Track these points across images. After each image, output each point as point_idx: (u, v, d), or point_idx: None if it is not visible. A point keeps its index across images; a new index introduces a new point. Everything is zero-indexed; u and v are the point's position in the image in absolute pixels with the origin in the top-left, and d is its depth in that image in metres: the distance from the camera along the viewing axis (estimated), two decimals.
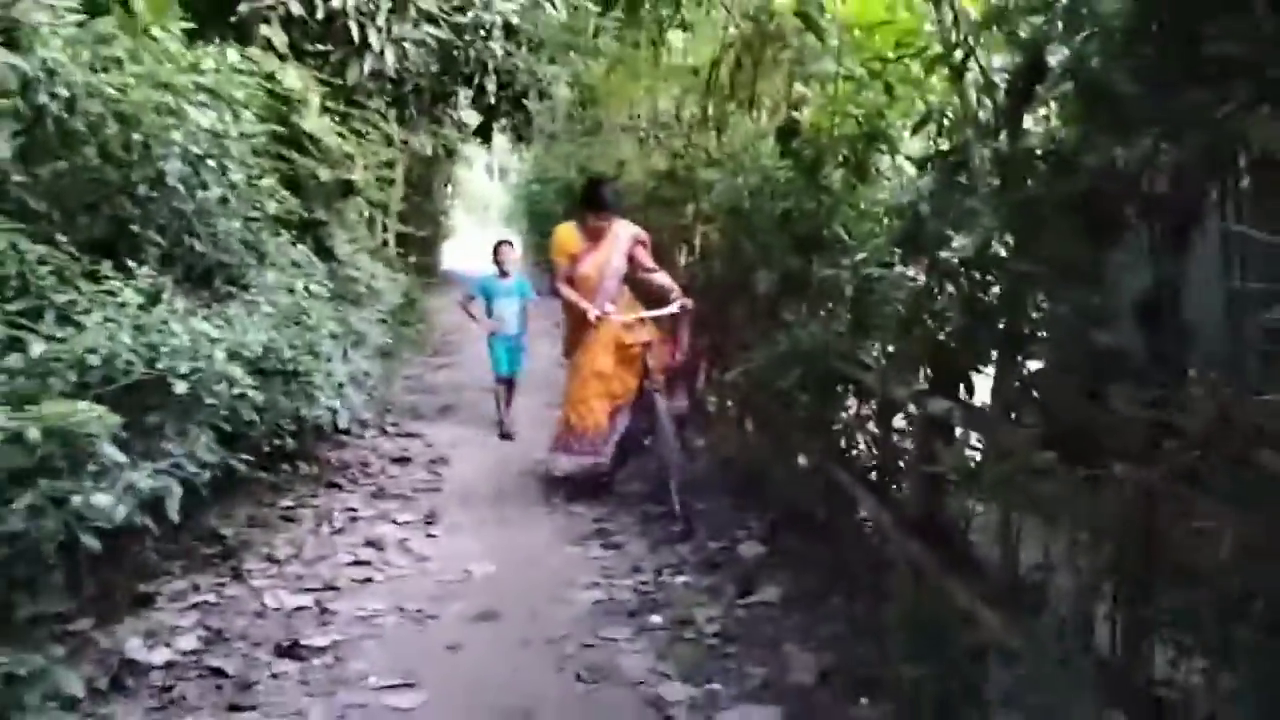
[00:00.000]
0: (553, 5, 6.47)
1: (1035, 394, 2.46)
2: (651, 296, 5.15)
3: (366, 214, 6.48)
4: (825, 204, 3.78)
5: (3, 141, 2.55)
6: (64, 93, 2.53)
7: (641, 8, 6.93)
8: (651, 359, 4.96)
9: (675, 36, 7.66)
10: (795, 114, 4.59)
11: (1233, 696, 1.75)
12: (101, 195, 2.84)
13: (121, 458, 2.46)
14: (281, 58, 4.92)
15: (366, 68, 5.50)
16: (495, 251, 7.01)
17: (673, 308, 4.94)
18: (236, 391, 2.87)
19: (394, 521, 4.66)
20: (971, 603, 2.52)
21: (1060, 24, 2.27)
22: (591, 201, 5.06)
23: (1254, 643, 1.66)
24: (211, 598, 3.63)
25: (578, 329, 5.08)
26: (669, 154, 7.41)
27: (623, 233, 5.08)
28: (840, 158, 3.80)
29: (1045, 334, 2.41)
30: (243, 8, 4.98)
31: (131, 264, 2.96)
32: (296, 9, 5.11)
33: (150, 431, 2.66)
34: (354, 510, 4.76)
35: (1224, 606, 1.74)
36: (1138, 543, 2.06)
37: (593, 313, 4.88)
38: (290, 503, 4.73)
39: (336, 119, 5.32)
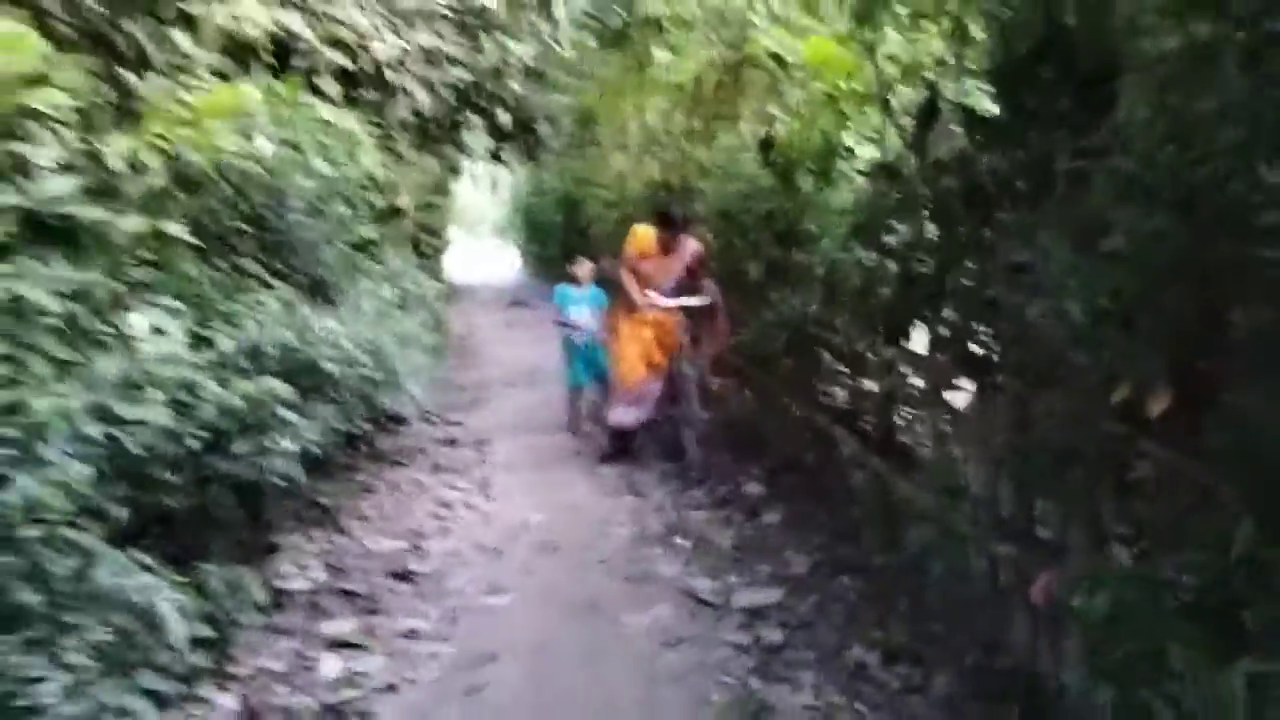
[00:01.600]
0: (558, 45, 7.46)
1: (950, 335, 3.45)
2: (692, 291, 5.99)
3: (409, 233, 7.41)
4: (798, 204, 4.76)
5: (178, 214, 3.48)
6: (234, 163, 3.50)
7: (629, 40, 7.95)
8: (676, 339, 5.88)
9: (662, 57, 8.66)
10: (770, 130, 5.60)
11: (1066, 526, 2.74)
12: (249, 229, 3.81)
13: (296, 419, 3.42)
14: (335, 104, 5.89)
15: (402, 109, 6.48)
16: (571, 264, 7.70)
17: (697, 300, 5.77)
18: (362, 373, 3.84)
19: (455, 488, 5.63)
20: (913, 492, 3.51)
21: (951, 72, 3.27)
22: (665, 224, 5.84)
23: (1082, 489, 2.64)
24: (325, 545, 4.60)
25: (625, 308, 6.03)
26: (662, 165, 8.39)
27: (688, 249, 5.89)
28: (808, 167, 4.79)
29: (954, 294, 3.38)
30: (297, 61, 5.94)
31: (271, 280, 3.93)
32: (346, 63, 6.07)
33: (306, 402, 3.62)
34: (419, 481, 5.73)
35: (1064, 468, 2.72)
36: (1017, 433, 3.05)
37: (641, 300, 5.80)
38: (365, 478, 5.69)
39: (383, 151, 6.28)
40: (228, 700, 3.16)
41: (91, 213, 2.37)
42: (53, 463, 1.83)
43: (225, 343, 3.42)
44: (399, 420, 6.51)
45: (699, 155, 7.36)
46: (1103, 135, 2.38)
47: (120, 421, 2.25)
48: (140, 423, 2.30)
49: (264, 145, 3.56)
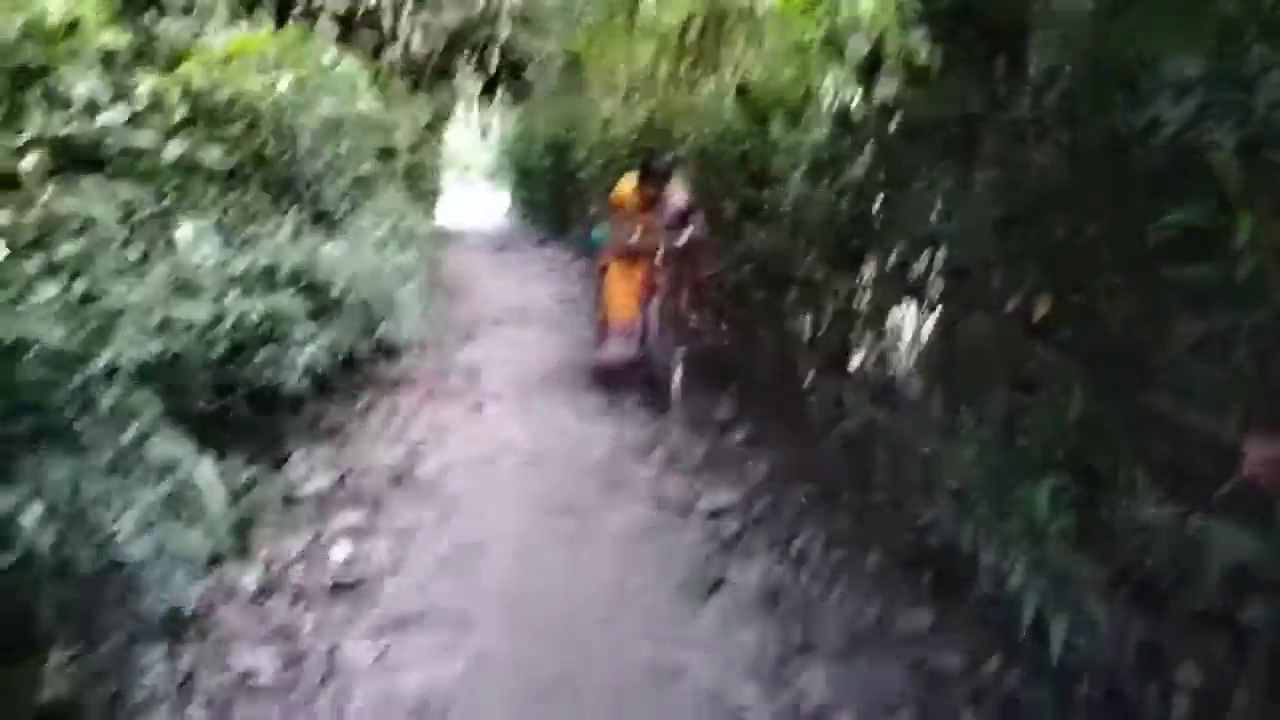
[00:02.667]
0: None
1: (893, 264, 3.89)
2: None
3: (402, 171, 7.76)
4: (768, 146, 5.15)
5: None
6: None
7: None
8: (659, 276, 6.13)
9: (648, 4, 8.98)
10: (745, 77, 5.97)
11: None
12: (264, 162, 4.19)
13: (309, 332, 3.85)
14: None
15: (397, 51, 6.80)
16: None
17: (678, 239, 5.97)
18: (364, 297, 4.27)
19: (448, 411, 6.08)
20: (857, 404, 3.97)
21: (897, 25, 3.66)
22: (647, 177, 6.05)
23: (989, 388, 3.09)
24: (331, 456, 5.05)
25: (614, 249, 6.30)
26: (648, 110, 8.73)
27: (673, 202, 6.04)
28: (778, 111, 5.17)
29: (896, 226, 3.81)
30: (298, 7, 6.26)
31: (280, 209, 4.33)
32: (343, 6, 6.38)
33: (317, 319, 4.04)
34: (415, 405, 6.18)
35: (978, 373, 3.17)
36: (946, 347, 3.51)
37: (633, 240, 6.09)
38: (365, 401, 6.13)
39: (379, 93, 6.62)
40: (250, 575, 3.63)
41: (141, 139, 2.77)
42: (125, 343, 2.26)
43: (244, 262, 3.83)
44: (394, 350, 6.94)
45: (682, 99, 7.72)
46: (1010, 82, 2.80)
47: (166, 321, 2.67)
48: (187, 324, 2.71)
49: (280, 86, 3.93)
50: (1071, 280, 2.45)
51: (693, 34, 7.50)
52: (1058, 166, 2.49)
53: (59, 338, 2.09)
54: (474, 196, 26.12)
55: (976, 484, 2.36)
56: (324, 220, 4.74)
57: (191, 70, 3.64)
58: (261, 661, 3.10)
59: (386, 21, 6.62)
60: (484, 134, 25.66)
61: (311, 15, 6.23)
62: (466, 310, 9.94)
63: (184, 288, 2.80)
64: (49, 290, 2.21)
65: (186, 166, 3.19)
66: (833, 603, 3.36)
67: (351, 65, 5.79)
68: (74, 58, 3.02)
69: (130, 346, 2.26)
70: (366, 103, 5.87)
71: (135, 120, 3.23)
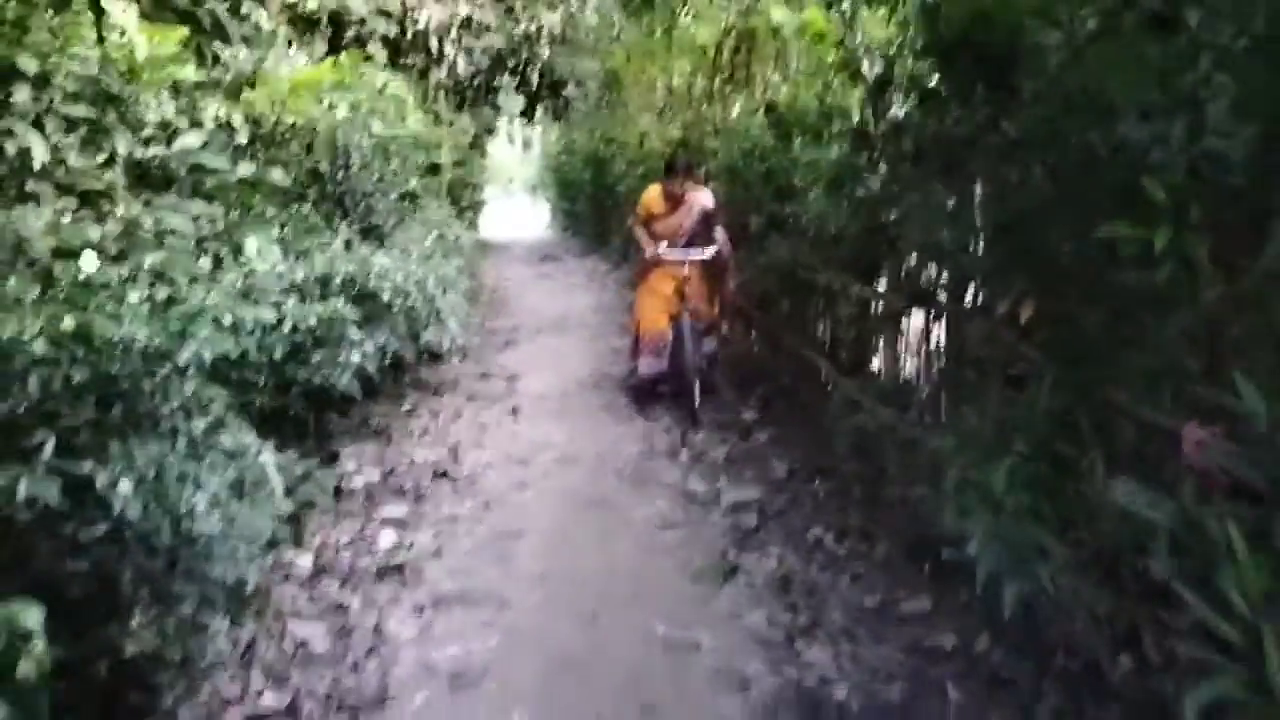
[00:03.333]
0: (585, 14, 8.12)
1: (905, 273, 4.12)
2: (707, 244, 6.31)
3: (446, 186, 8.13)
4: (792, 162, 5.41)
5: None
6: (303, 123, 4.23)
7: (652, 6, 8.58)
8: (689, 290, 6.15)
9: (685, 22, 9.29)
10: (774, 96, 6.23)
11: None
12: (319, 180, 4.54)
13: (360, 336, 4.18)
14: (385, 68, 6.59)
15: (444, 73, 7.17)
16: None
17: (706, 253, 6.11)
18: (411, 304, 4.59)
19: (488, 414, 6.39)
20: (872, 405, 4.19)
21: (906, 50, 3.90)
22: (669, 172, 6.28)
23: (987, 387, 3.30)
24: (378, 454, 5.38)
25: (645, 265, 6.46)
26: (681, 125, 9.04)
27: (697, 201, 6.21)
28: (802, 129, 5.42)
29: (906, 238, 4.04)
30: (350, 31, 6.65)
31: (334, 224, 4.68)
32: (391, 32, 6.76)
33: (367, 324, 4.37)
34: (457, 408, 6.51)
35: (978, 373, 3.39)
36: (952, 350, 3.73)
37: (649, 251, 6.25)
38: (410, 403, 6.48)
39: (425, 112, 6.99)
40: (304, 559, 3.96)
41: (216, 161, 3.11)
42: (202, 342, 2.58)
43: (301, 271, 4.16)
44: (438, 356, 7.29)
45: (714, 116, 8.00)
46: (1002, 107, 3.03)
47: (236, 323, 2.99)
48: (255, 325, 3.03)
49: (337, 111, 4.28)
50: (1050, 286, 2.68)
51: (725, 53, 7.78)
52: (1040, 183, 2.72)
53: (146, 336, 2.41)
54: (516, 208, 26.66)
55: (959, 470, 2.59)
56: (373, 233, 5.08)
57: (255, 98, 4.00)
58: (314, 634, 3.41)
59: (433, 44, 6.97)
60: (525, 148, 26.18)
61: (362, 41, 6.59)
62: (508, 320, 10.30)
63: (249, 293, 3.12)
64: (135, 295, 2.55)
65: (252, 184, 3.53)
66: (840, 588, 3.59)
67: (400, 87, 6.15)
68: (153, 87, 3.39)
69: (206, 345, 2.58)
70: (414, 122, 6.22)
71: (207, 144, 3.58)
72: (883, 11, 4.11)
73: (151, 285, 2.68)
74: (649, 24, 9.73)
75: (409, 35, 6.85)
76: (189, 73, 3.15)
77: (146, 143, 3.01)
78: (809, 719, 2.82)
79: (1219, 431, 1.85)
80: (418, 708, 2.96)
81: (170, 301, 2.62)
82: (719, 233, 6.25)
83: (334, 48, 6.33)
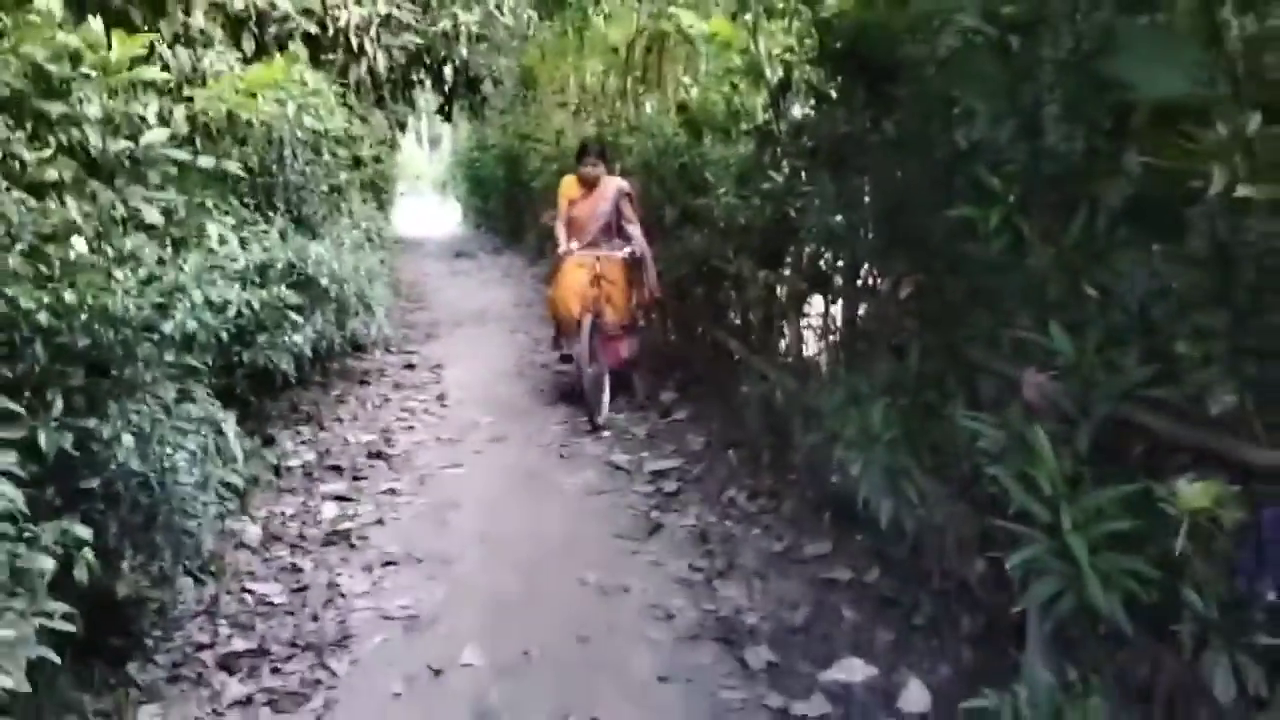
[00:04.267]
0: (501, 13, 8.48)
1: (806, 259, 4.64)
2: (617, 244, 6.38)
3: (367, 181, 8.39)
4: (703, 159, 5.90)
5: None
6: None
7: (566, 6, 9.01)
8: (604, 284, 6.17)
9: (598, 23, 9.72)
10: (685, 96, 6.72)
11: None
12: (253, 173, 4.82)
13: (300, 320, 4.50)
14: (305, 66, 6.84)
15: (363, 70, 7.45)
16: None
17: (623, 252, 6.22)
18: (349, 290, 4.92)
19: (416, 400, 6.72)
20: (778, 376, 4.70)
21: (801, 56, 4.42)
22: (580, 154, 6.50)
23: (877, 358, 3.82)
24: (312, 437, 5.67)
25: (558, 259, 6.52)
26: (596, 122, 9.47)
27: (610, 187, 6.38)
28: (712, 128, 5.91)
29: (805, 228, 4.56)
30: (272, 29, 6.88)
31: (268, 215, 4.97)
32: (313, 29, 7.02)
33: (304, 311, 4.68)
34: (385, 395, 6.81)
35: (869, 346, 3.91)
36: (847, 328, 4.25)
37: (562, 248, 6.29)
38: (338, 391, 6.75)
39: (345, 109, 7.26)
40: (254, 528, 4.26)
41: (179, 154, 3.40)
42: (182, 315, 2.89)
43: (244, 258, 4.46)
44: (361, 347, 7.56)
45: (628, 114, 8.46)
46: (883, 110, 3.55)
47: (203, 302, 3.31)
48: (218, 305, 3.35)
49: (271, 107, 4.58)
50: (922, 264, 3.21)
51: (638, 53, 8.24)
52: (912, 176, 3.24)
53: (134, 309, 2.72)
54: (425, 206, 26.66)
55: (846, 418, 3.09)
56: (305, 224, 5.37)
57: (197, 95, 4.28)
58: (272, 591, 3.74)
59: (354, 42, 7.24)
60: (433, 146, 26.16)
61: (284, 38, 6.83)
62: (427, 314, 10.57)
63: (210, 276, 3.43)
64: (120, 273, 2.86)
65: (211, 175, 3.82)
66: (751, 538, 4.08)
67: (324, 84, 6.42)
68: (123, 85, 3.68)
69: (185, 319, 2.90)
70: (338, 119, 6.50)
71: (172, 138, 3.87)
72: (782, 24, 4.61)
73: (130, 266, 2.99)
74: (562, 23, 10.16)
75: (329, 33, 7.10)
76: (154, 73, 3.43)
77: (117, 137, 3.29)
78: (725, 641, 3.29)
79: (1050, 374, 2.37)
80: (376, 646, 3.33)
81: (149, 280, 2.94)
82: (635, 230, 6.37)
83: (259, 45, 6.57)
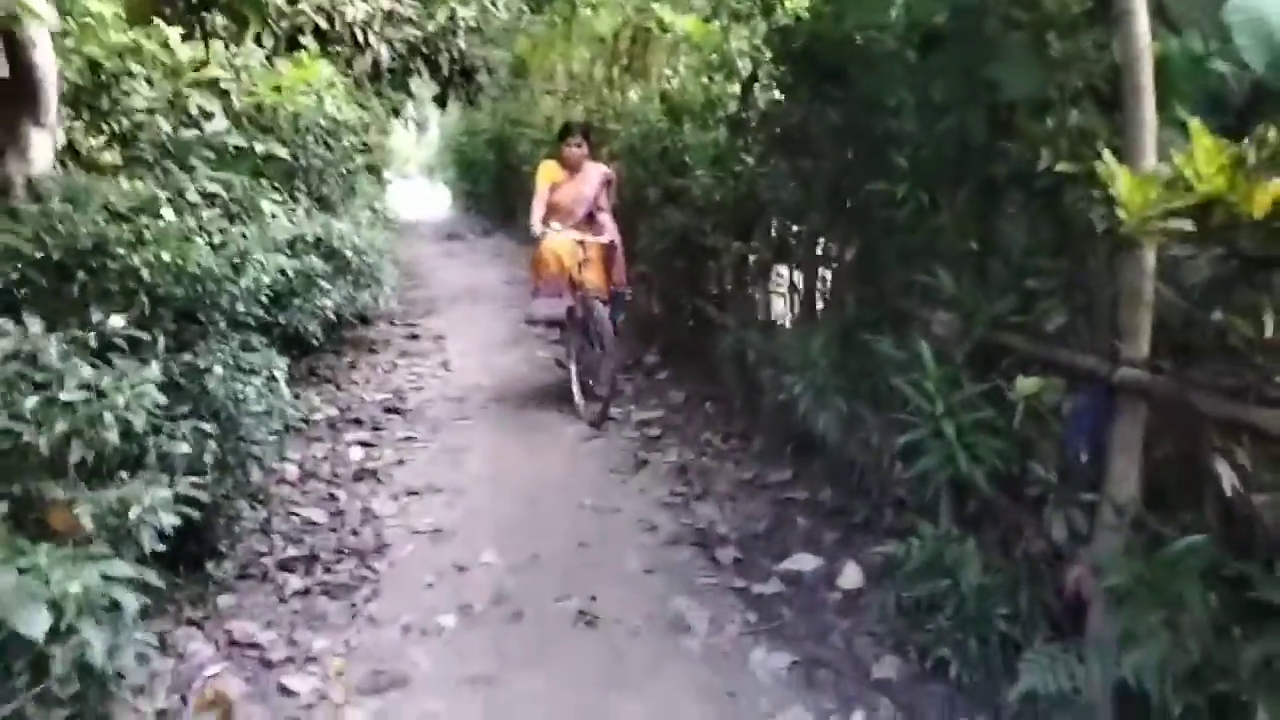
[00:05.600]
0: (495, 7, 9.10)
1: (772, 232, 5.32)
2: (596, 228, 6.38)
3: (367, 164, 9.00)
4: (683, 143, 6.56)
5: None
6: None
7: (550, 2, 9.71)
8: (590, 272, 6.14)
9: (585, 14, 10.35)
10: (667, 86, 7.38)
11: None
12: (279, 157, 5.45)
13: (328, 287, 5.15)
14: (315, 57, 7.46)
15: (367, 61, 8.07)
16: None
17: (600, 239, 6.21)
18: (367, 260, 5.57)
19: (422, 365, 7.39)
20: (749, 335, 5.39)
21: (767, 53, 5.09)
22: (562, 133, 6.43)
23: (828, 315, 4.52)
24: (331, 396, 6.33)
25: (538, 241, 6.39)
26: (584, 109, 10.11)
27: (594, 171, 6.37)
28: (691, 115, 6.58)
29: (771, 204, 5.23)
30: (284, 23, 7.49)
31: (294, 195, 5.61)
32: (323, 23, 7.64)
33: (330, 278, 5.33)
34: (394, 361, 7.48)
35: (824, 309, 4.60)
36: (807, 289, 4.94)
37: (536, 230, 6.07)
38: (350, 358, 7.41)
39: (351, 98, 7.88)
40: (292, 468, 4.93)
41: (237, 140, 4.04)
42: (250, 274, 3.55)
43: (281, 231, 5.10)
44: (367, 320, 8.22)
45: (614, 101, 9.11)
46: (830, 103, 4.23)
47: (264, 265, 3.95)
48: (274, 269, 4.01)
49: (299, 99, 5.22)
50: (859, 231, 3.90)
51: (623, 44, 8.89)
52: (851, 158, 3.93)
53: (216, 267, 3.38)
54: (415, 190, 27.20)
55: (796, 358, 3.79)
56: (325, 204, 6.02)
57: (232, 86, 4.93)
58: (315, 514, 4.41)
59: (359, 35, 7.86)
60: (421, 131, 26.67)
61: (299, 31, 7.45)
62: (425, 290, 11.23)
63: (264, 243, 4.09)
64: (200, 239, 3.51)
65: (263, 158, 4.48)
66: (724, 471, 4.79)
67: (335, 76, 7.05)
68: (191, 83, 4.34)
69: (252, 278, 3.55)
70: (352, 109, 7.14)
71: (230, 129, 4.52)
72: (749, 27, 5.28)
73: (204, 234, 3.65)
74: (552, 15, 10.78)
75: (336, 27, 7.72)
76: (217, 73, 4.08)
77: (188, 126, 3.95)
78: (700, 545, 3.99)
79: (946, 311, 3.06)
80: (409, 552, 4.02)
81: (221, 245, 3.59)
82: (606, 219, 6.41)
83: (276, 39, 7.18)
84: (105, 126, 4.52)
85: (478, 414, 6.05)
